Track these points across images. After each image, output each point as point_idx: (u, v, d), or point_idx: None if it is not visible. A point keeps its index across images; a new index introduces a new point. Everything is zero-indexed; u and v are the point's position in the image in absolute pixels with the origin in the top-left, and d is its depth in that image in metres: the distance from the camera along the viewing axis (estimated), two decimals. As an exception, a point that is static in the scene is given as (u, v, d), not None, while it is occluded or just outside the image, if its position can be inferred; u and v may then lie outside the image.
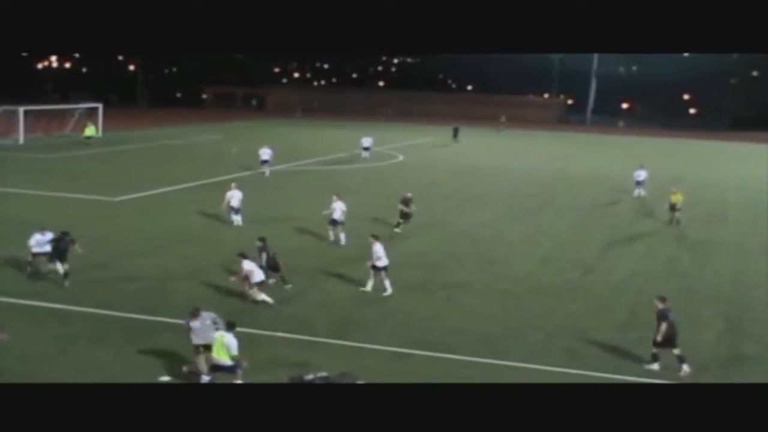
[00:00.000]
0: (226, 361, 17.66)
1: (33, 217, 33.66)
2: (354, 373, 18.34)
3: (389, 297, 25.81)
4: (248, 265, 24.42)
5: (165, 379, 18.48)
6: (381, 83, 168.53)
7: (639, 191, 49.22)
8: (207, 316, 18.98)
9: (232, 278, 25.47)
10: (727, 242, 36.81)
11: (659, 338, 20.29)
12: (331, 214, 33.31)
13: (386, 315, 24.13)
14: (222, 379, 17.78)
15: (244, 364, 17.79)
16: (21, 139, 65.48)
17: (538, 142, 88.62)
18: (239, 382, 17.63)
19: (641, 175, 49.53)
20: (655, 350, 20.49)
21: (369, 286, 26.39)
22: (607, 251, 34.24)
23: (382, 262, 26.12)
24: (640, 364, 20.68)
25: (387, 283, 26.13)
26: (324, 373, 18.24)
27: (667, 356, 20.32)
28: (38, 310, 23.06)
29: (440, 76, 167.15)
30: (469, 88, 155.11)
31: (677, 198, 40.40)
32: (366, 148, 66.14)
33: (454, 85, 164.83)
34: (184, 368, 18.86)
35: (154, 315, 22.94)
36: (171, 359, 19.62)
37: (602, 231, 38.51)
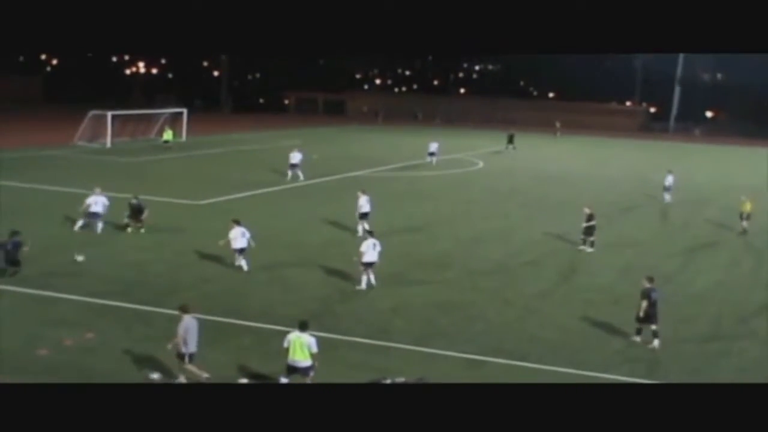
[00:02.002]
0: (305, 362, 17.80)
1: (119, 220, 34.47)
2: (430, 380, 18.43)
3: (463, 304, 25.91)
4: (233, 233, 28.38)
5: (244, 381, 18.78)
6: (462, 90, 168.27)
7: (667, 196, 48.83)
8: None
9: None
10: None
11: (641, 314, 22.70)
12: (360, 209, 35.11)
13: (464, 322, 24.18)
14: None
15: (317, 364, 17.95)
16: (108, 143, 67.02)
17: (620, 150, 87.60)
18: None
19: (669, 180, 49.06)
20: (637, 325, 22.88)
21: (363, 284, 26.97)
22: (688, 261, 33.76)
23: (366, 258, 26.78)
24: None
25: (366, 279, 26.96)
26: (401, 379, 18.39)
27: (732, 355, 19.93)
28: (124, 310, 23.64)
29: (522, 83, 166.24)
30: (551, 95, 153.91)
31: (746, 207, 39.84)
32: (432, 153, 65.74)
33: (535, 92, 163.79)
34: (153, 375, 18.84)
35: (236, 318, 23.32)
36: (251, 361, 19.93)
37: (684, 240, 37.97)
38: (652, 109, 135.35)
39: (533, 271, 30.96)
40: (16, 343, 20.50)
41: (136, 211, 34.16)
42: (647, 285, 22.95)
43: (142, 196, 35.64)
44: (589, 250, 34.21)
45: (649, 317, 22.64)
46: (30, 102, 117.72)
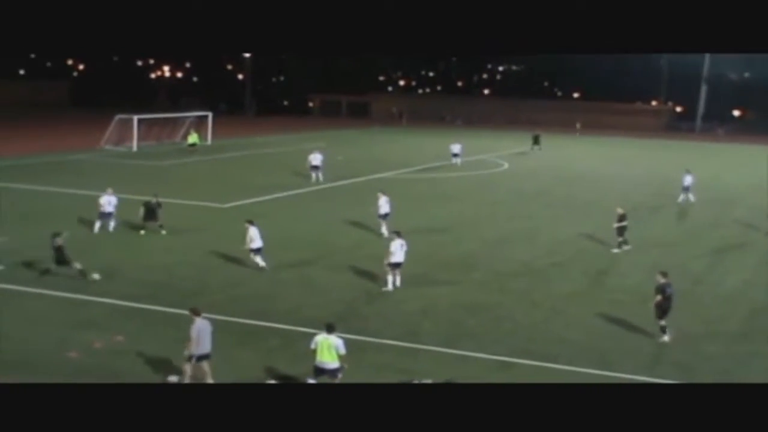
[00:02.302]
0: (332, 363, 17.78)
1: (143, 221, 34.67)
2: (458, 381, 18.39)
3: (490, 305, 25.87)
4: (252, 233, 28.81)
5: (271, 382, 18.80)
6: (486, 91, 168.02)
7: (685, 196, 48.43)
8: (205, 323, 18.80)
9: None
10: None
11: (654, 308, 22.74)
12: (379, 209, 35.61)
13: (492, 323, 24.12)
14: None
15: (346, 366, 17.95)
16: (135, 147, 67.38)
17: (645, 150, 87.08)
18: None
19: (687, 180, 48.61)
20: (662, 323, 22.72)
21: (389, 285, 27.09)
22: (717, 261, 33.52)
23: (395, 258, 26.96)
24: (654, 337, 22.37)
25: (392, 279, 27.13)
26: (429, 381, 18.37)
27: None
28: (153, 313, 23.75)
29: (546, 83, 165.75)
30: (576, 95, 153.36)
31: None
32: (455, 155, 65.67)
33: (559, 93, 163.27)
34: (171, 378, 18.85)
35: (262, 320, 23.37)
36: (278, 363, 19.97)
37: (712, 240, 37.69)
38: (678, 109, 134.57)
39: (560, 272, 30.83)
40: (47, 346, 20.68)
41: (153, 212, 34.35)
42: (662, 280, 22.92)
43: (168, 199, 35.86)
44: (616, 250, 34.01)
45: (665, 312, 22.72)
46: (57, 107, 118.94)
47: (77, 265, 26.72)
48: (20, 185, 45.89)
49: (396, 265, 27.05)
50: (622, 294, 27.84)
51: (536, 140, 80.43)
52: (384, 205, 35.62)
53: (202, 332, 18.41)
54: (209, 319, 21.59)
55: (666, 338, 22.65)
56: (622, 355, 21.79)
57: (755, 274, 31.54)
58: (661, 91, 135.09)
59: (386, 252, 27.26)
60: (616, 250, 34.00)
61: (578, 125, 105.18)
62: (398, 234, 27.73)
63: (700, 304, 27.07)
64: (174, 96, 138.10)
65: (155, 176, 52.69)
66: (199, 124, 76.10)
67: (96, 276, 27.09)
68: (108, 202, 34.29)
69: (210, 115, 78.97)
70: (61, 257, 26.84)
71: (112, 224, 34.38)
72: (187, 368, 18.40)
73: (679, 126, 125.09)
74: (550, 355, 21.40)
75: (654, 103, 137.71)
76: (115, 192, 35.06)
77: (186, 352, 18.52)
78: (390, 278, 27.10)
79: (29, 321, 22.70)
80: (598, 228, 38.30)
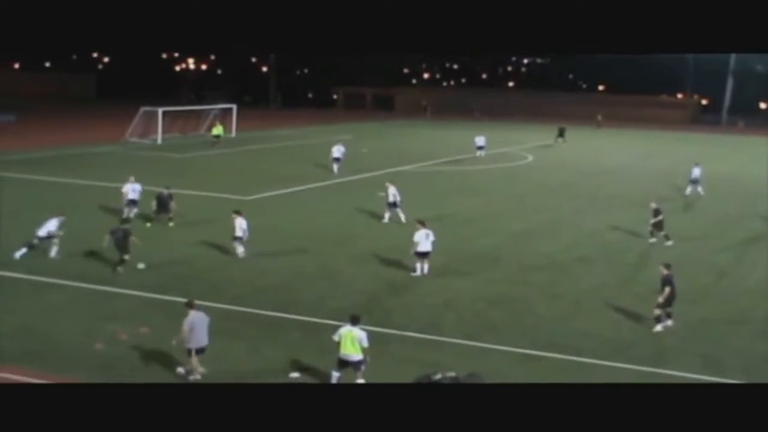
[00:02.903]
0: (356, 356, 17.81)
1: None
2: (481, 375, 18.37)
3: (513, 298, 25.85)
4: (240, 223, 29.38)
5: (295, 375, 18.87)
6: (511, 83, 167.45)
7: (693, 189, 48.13)
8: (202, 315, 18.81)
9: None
10: None
11: (661, 300, 22.98)
12: (386, 198, 36.38)
13: (515, 316, 24.10)
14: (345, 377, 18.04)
15: (369, 358, 17.96)
16: (159, 139, 67.64)
17: (669, 143, 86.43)
18: (361, 380, 17.84)
19: (696, 172, 48.35)
20: (658, 312, 23.03)
21: (418, 271, 27.62)
22: (742, 254, 33.30)
23: (420, 248, 27.32)
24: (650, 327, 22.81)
25: (420, 266, 27.65)
26: (452, 373, 18.33)
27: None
28: (179, 305, 23.84)
29: (570, 76, 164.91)
30: (601, 88, 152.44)
31: None
32: (480, 147, 65.41)
33: (584, 86, 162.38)
34: (179, 369, 18.82)
35: (286, 312, 23.44)
36: (303, 355, 20.03)
37: (736, 233, 37.42)
38: (704, 102, 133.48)
39: (584, 265, 30.73)
40: (74, 337, 20.87)
41: (164, 203, 34.50)
42: (665, 272, 23.27)
43: (191, 191, 35.96)
44: (669, 243, 33.81)
45: (670, 302, 23.03)
46: (83, 99, 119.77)
47: (126, 257, 26.87)
48: (45, 177, 46.23)
49: (423, 255, 27.21)
50: (645, 287, 27.63)
51: (561, 133, 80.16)
52: (394, 194, 35.97)
53: (196, 325, 18.43)
54: (235, 312, 21.73)
55: (660, 327, 23.04)
56: (646, 348, 21.73)
57: (782, 268, 31.33)
58: (686, 84, 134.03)
59: (411, 242, 27.37)
60: (669, 243, 33.80)
61: (599, 117, 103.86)
62: (422, 223, 27.78)
63: (725, 297, 26.96)
64: (198, 88, 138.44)
65: (179, 168, 52.90)
66: (224, 117, 76.25)
67: (141, 266, 27.37)
68: (132, 189, 34.89)
69: (234, 107, 79.14)
70: (122, 245, 26.94)
71: (134, 211, 34.68)
72: (194, 361, 18.46)
73: (704, 119, 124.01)
74: (573, 348, 21.37)
75: (679, 95, 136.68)
76: (128, 178, 35.48)
77: (174, 342, 18.60)
78: (419, 265, 27.43)
79: (55, 312, 22.92)
80: (623, 221, 38.16)
